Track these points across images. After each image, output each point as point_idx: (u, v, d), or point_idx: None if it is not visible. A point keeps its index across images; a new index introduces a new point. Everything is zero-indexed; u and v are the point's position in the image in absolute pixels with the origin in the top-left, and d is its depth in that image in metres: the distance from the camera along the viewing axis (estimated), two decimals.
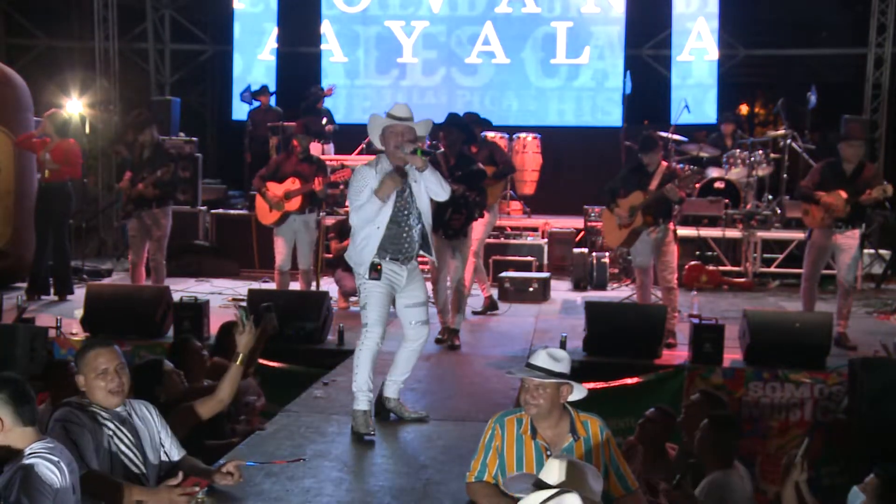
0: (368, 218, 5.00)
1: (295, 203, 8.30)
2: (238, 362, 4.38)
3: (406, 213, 5.05)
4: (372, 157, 5.29)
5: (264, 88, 12.71)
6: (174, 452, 3.88)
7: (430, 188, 5.07)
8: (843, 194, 7.40)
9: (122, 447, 3.66)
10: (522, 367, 3.74)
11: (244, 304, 4.76)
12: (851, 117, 12.24)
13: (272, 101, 12.78)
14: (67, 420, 3.55)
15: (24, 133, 9.61)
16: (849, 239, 7.55)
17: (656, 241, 7.63)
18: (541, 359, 3.67)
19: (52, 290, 9.41)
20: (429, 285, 8.32)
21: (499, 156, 8.74)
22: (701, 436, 4.51)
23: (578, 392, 3.71)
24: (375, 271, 5.01)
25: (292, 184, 8.29)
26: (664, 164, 7.78)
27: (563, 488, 2.50)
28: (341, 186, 10.12)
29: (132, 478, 3.64)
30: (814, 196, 7.55)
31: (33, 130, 9.58)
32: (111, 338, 7.09)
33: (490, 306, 8.90)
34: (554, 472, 2.76)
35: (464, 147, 7.64)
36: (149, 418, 3.84)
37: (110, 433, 3.63)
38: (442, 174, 7.33)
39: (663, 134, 11.22)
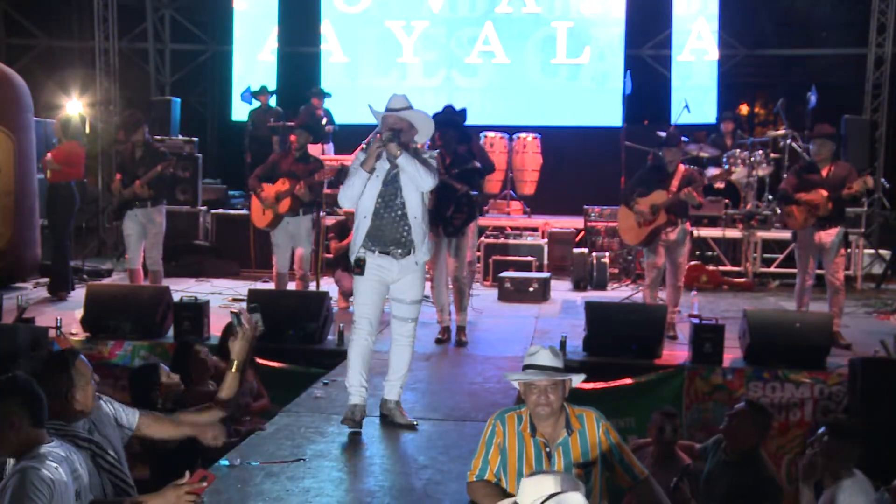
0: (354, 194, 4.98)
1: (285, 204, 8.20)
2: (234, 370, 4.34)
3: (392, 203, 4.98)
4: None
5: (264, 88, 12.71)
6: (133, 420, 3.85)
7: (411, 177, 4.94)
8: (824, 192, 7.46)
9: (106, 465, 3.57)
10: (525, 371, 3.68)
11: (235, 309, 4.73)
12: (851, 117, 12.24)
13: (272, 100, 12.78)
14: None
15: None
16: (831, 237, 7.60)
17: (675, 241, 7.75)
18: (545, 357, 3.67)
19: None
20: (428, 285, 8.41)
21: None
22: (822, 448, 4.33)
23: (577, 380, 3.73)
24: (358, 266, 5.04)
25: (282, 185, 8.19)
26: (682, 166, 7.86)
27: (567, 489, 2.49)
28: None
29: (121, 494, 3.60)
30: (794, 197, 7.64)
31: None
32: (111, 338, 7.24)
33: None
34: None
35: (459, 146, 7.64)
36: (104, 407, 3.81)
37: (92, 453, 3.53)
38: (438, 173, 7.40)
39: (663, 134, 11.21)
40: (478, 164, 7.70)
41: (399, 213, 4.99)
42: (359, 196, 5.00)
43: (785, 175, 8.28)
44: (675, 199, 7.62)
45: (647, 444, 5.52)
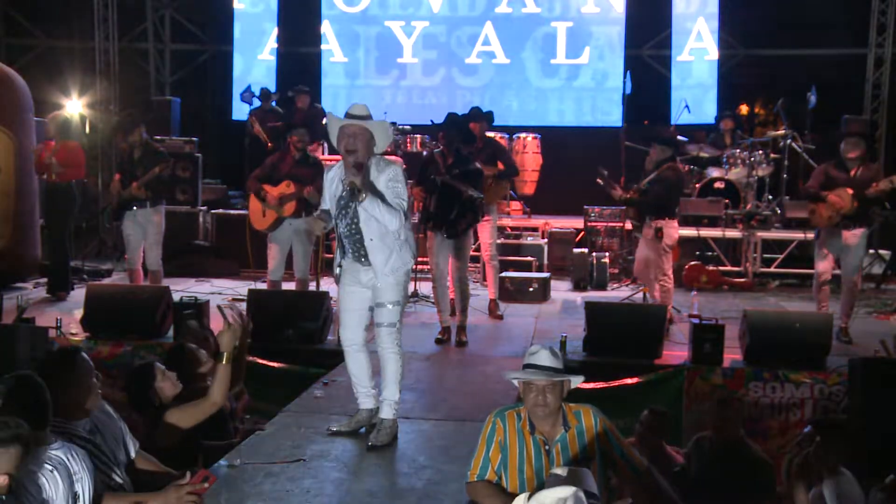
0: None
1: (289, 208, 8.12)
2: (224, 361, 4.37)
3: (347, 216, 4.83)
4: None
5: (265, 91, 12.69)
6: (131, 447, 3.88)
7: (378, 219, 4.74)
8: (850, 191, 7.44)
9: (102, 466, 3.58)
10: (524, 370, 3.71)
11: (226, 305, 4.76)
12: (852, 117, 12.24)
13: (272, 101, 12.76)
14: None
15: (36, 160, 9.56)
16: (856, 238, 7.58)
17: (647, 238, 7.91)
18: (545, 358, 3.69)
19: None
20: (428, 285, 8.43)
21: (503, 157, 8.77)
22: (814, 447, 4.44)
23: (575, 381, 3.75)
24: (335, 275, 5.06)
25: (286, 188, 8.09)
26: (669, 164, 7.93)
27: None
28: None
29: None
30: (820, 194, 7.59)
31: (39, 149, 9.55)
32: (111, 338, 7.23)
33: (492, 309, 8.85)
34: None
35: (461, 146, 7.66)
36: (112, 413, 3.82)
37: (88, 452, 3.49)
38: (439, 173, 7.43)
39: None
40: (478, 165, 7.72)
41: (354, 229, 4.83)
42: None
43: (813, 172, 8.25)
44: (633, 198, 8.03)
45: (633, 443, 5.53)
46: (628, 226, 10.38)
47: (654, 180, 7.89)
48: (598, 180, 8.25)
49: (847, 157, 7.63)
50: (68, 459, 3.22)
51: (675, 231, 7.97)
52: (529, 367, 3.70)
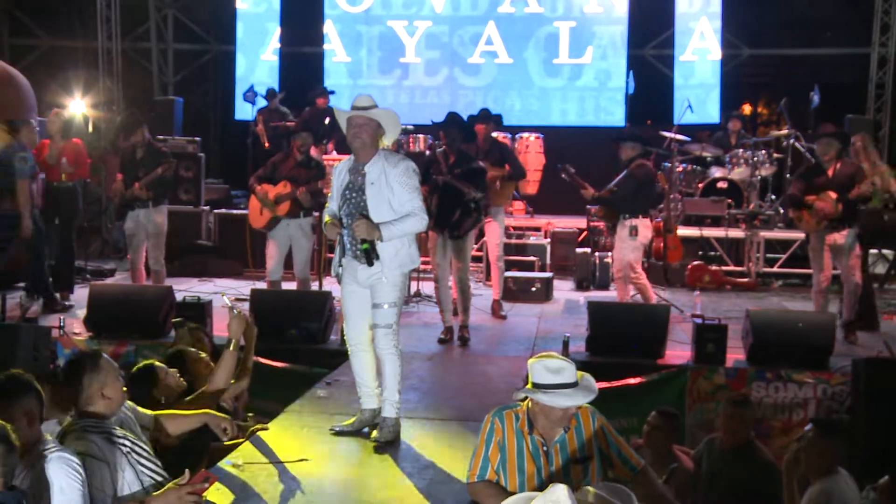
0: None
1: (284, 208, 8.13)
2: (231, 348, 4.41)
3: (351, 211, 4.81)
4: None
5: (271, 91, 12.70)
6: (148, 419, 3.92)
7: (399, 234, 4.79)
8: (833, 195, 7.47)
9: (143, 459, 3.59)
10: (556, 391, 3.54)
11: (229, 304, 4.77)
12: (854, 117, 12.23)
13: (278, 101, 12.77)
14: (89, 454, 3.34)
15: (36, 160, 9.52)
16: (843, 238, 7.60)
17: (619, 236, 7.99)
18: (571, 374, 3.58)
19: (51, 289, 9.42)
20: (430, 284, 8.43)
21: (510, 159, 8.79)
22: (807, 444, 4.42)
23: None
24: (336, 275, 5.02)
25: (283, 187, 8.12)
26: (638, 161, 8.00)
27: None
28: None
29: (158, 487, 3.59)
30: (804, 201, 7.65)
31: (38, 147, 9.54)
32: (114, 337, 7.24)
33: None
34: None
35: (463, 145, 7.66)
36: (126, 411, 3.84)
37: (127, 449, 3.53)
38: (441, 172, 7.44)
39: (666, 134, 11.23)
40: (481, 164, 7.72)
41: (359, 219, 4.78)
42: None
43: (792, 179, 8.29)
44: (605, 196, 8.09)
45: (643, 445, 5.52)
46: None
47: (622, 179, 7.95)
48: (563, 176, 8.26)
49: (823, 158, 7.79)
50: (67, 467, 3.23)
51: (648, 229, 8.05)
52: (560, 386, 3.53)
